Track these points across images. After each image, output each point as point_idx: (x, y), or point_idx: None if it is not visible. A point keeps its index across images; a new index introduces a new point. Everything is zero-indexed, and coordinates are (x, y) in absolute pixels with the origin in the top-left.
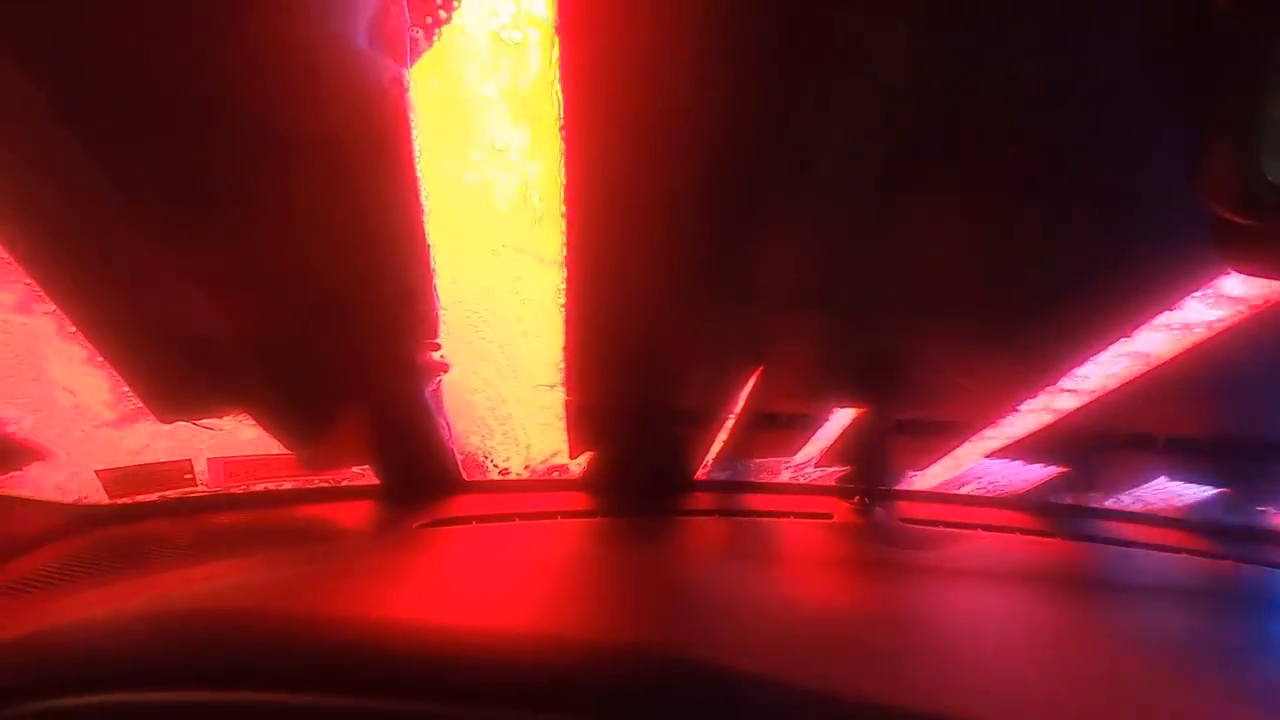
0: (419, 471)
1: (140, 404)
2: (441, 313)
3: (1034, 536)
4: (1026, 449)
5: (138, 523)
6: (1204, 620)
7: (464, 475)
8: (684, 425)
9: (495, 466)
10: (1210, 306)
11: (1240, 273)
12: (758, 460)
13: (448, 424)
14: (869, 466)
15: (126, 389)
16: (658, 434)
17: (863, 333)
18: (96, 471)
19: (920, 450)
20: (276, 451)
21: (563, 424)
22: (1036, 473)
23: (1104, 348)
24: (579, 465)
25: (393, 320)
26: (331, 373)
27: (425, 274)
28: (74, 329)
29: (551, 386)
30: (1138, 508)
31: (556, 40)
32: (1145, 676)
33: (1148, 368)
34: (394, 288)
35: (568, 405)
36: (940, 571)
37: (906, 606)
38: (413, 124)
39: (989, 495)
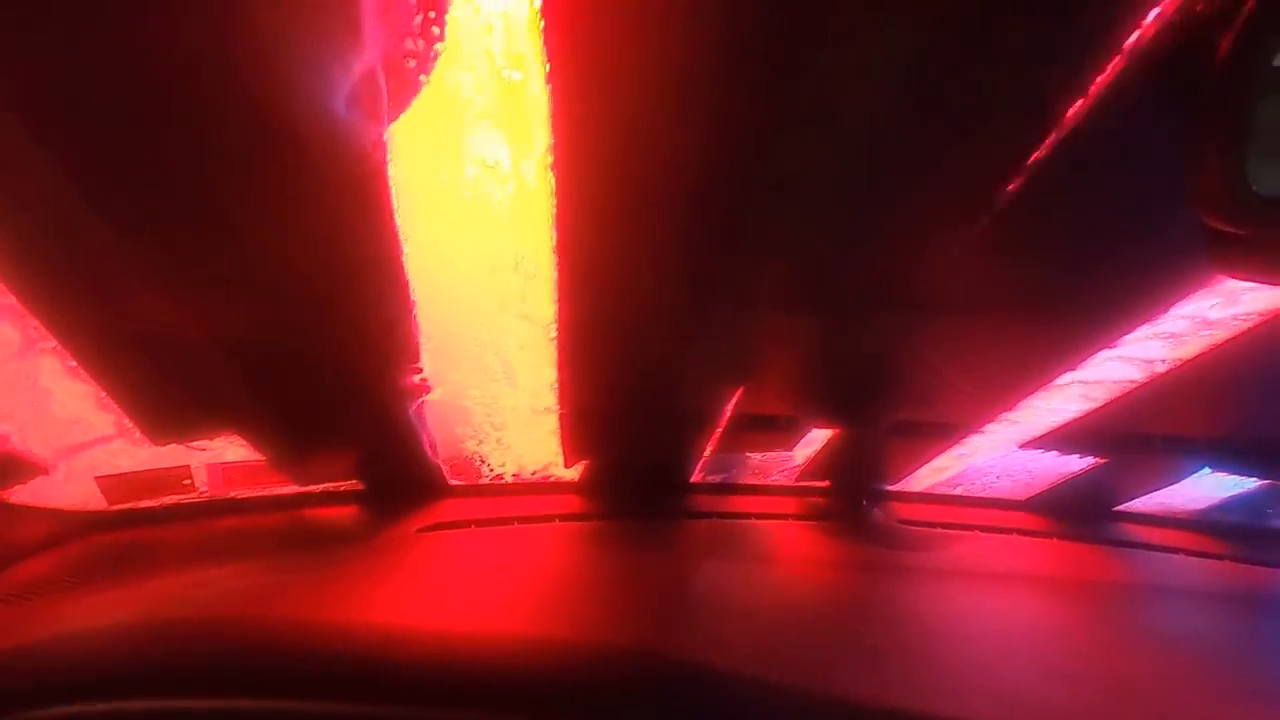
0: (414, 479)
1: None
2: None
3: (1028, 537)
4: (1022, 449)
5: (136, 528)
6: (1197, 620)
7: (459, 480)
8: (679, 428)
9: (491, 471)
10: (1211, 309)
11: (1231, 278)
12: (752, 463)
13: (431, 439)
14: (863, 468)
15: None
16: (653, 437)
17: (853, 335)
18: (95, 478)
19: (914, 452)
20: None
21: (557, 429)
22: (1031, 474)
23: (1093, 353)
24: (574, 470)
25: (376, 348)
26: (320, 395)
27: (406, 306)
28: (74, 363)
29: (547, 389)
30: (1136, 508)
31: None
32: (1141, 676)
33: (1141, 372)
34: (376, 320)
35: (562, 411)
36: (935, 572)
37: (902, 608)
38: (390, 179)
39: (984, 496)
